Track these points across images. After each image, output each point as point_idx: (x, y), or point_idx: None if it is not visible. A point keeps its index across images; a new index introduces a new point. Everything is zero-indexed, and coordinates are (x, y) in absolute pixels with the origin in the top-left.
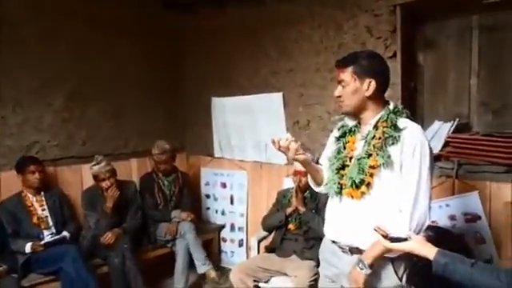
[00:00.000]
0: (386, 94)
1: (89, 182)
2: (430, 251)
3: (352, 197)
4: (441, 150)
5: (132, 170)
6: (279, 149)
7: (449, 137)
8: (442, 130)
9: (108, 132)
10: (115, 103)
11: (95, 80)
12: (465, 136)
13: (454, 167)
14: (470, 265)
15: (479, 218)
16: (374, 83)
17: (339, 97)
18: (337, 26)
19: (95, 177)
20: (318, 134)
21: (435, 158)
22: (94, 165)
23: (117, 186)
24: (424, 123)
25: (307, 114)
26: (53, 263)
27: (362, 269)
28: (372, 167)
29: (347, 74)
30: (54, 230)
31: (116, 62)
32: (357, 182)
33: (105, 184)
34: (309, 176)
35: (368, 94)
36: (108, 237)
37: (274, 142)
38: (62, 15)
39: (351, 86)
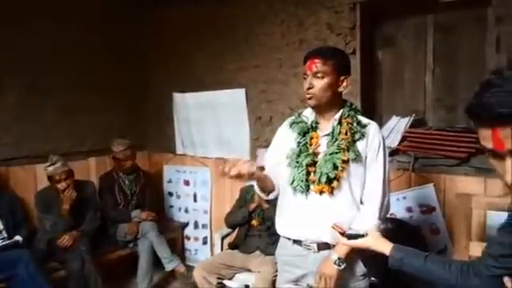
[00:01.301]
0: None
1: (44, 183)
2: (385, 247)
3: (322, 193)
4: (398, 145)
5: (90, 169)
6: (231, 178)
7: (406, 132)
8: (399, 125)
9: (65, 129)
10: (73, 99)
11: (53, 74)
12: (420, 131)
13: (411, 161)
14: (423, 258)
15: (434, 209)
16: (347, 80)
17: (310, 88)
18: (298, 23)
19: (50, 178)
20: (277, 131)
21: (393, 153)
22: (49, 165)
23: (74, 186)
24: (382, 119)
25: (270, 110)
26: (5, 269)
27: (339, 265)
28: (344, 162)
29: (327, 67)
30: (5, 235)
31: (76, 56)
32: (331, 176)
33: (61, 185)
34: (256, 187)
35: (340, 90)
36: (65, 239)
37: (223, 174)
38: (20, 3)
39: (329, 79)
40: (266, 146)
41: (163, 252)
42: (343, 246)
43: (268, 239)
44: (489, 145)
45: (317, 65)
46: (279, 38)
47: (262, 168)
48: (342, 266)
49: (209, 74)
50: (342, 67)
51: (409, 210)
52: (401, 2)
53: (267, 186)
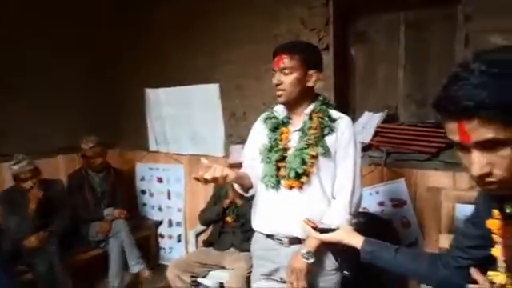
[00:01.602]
0: (320, 86)
1: (9, 182)
2: (357, 240)
3: (291, 188)
4: (371, 140)
5: (59, 167)
6: (206, 183)
7: (378, 127)
8: (372, 120)
9: (32, 127)
10: (40, 95)
11: (19, 70)
12: (392, 126)
13: (383, 156)
14: (393, 251)
15: (405, 203)
16: (316, 75)
17: (279, 84)
18: (272, 17)
19: (16, 177)
20: (252, 127)
21: (366, 148)
22: (14, 164)
23: (41, 185)
24: (356, 114)
25: (244, 106)
26: None
27: (307, 259)
28: (313, 157)
29: (294, 62)
30: None
31: (44, 50)
32: (299, 172)
33: (27, 184)
34: (238, 188)
35: (310, 84)
36: (31, 240)
37: (197, 179)
38: None
39: (296, 75)
40: (241, 142)
41: (131, 253)
42: (312, 240)
43: (242, 236)
44: (455, 138)
45: (284, 60)
46: (252, 33)
47: (240, 164)
48: (311, 260)
49: (181, 69)
50: (310, 61)
51: (381, 204)
52: None
53: (245, 184)
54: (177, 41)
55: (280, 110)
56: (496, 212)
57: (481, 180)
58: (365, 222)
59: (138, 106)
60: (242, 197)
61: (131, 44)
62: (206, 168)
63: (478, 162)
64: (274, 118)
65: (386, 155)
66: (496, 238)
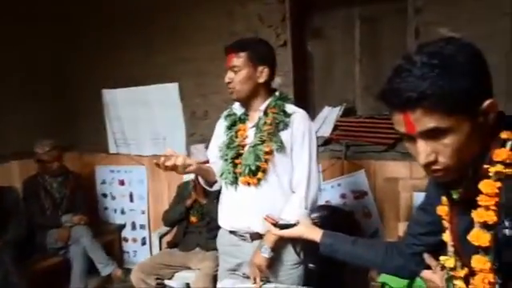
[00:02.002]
0: (279, 82)
1: None
2: (316, 234)
3: (248, 184)
4: (331, 134)
5: (13, 174)
6: (166, 169)
7: (337, 121)
8: (331, 114)
9: None
10: None
11: None
12: (351, 119)
13: (343, 149)
14: (351, 243)
15: (366, 194)
16: (267, 70)
17: (230, 83)
18: (228, 14)
19: None
20: (216, 124)
21: (326, 142)
22: None
23: None
24: (316, 109)
25: (205, 104)
26: None
27: (264, 253)
28: (267, 153)
29: (241, 60)
30: None
31: None
32: (253, 169)
33: None
34: (201, 180)
35: (261, 80)
36: None
37: (157, 165)
38: None
39: (245, 72)
40: (202, 141)
41: (98, 257)
42: (271, 235)
43: (208, 235)
44: (402, 129)
45: (232, 59)
46: (210, 30)
47: (206, 162)
48: (269, 255)
49: (138, 68)
50: (259, 57)
51: (343, 196)
52: None
53: (210, 178)
54: (133, 39)
55: (238, 107)
56: (444, 198)
57: (428, 168)
58: (327, 215)
59: (96, 107)
60: (205, 195)
61: (86, 43)
62: (170, 156)
63: (423, 150)
64: (233, 115)
65: (345, 148)
66: (445, 223)
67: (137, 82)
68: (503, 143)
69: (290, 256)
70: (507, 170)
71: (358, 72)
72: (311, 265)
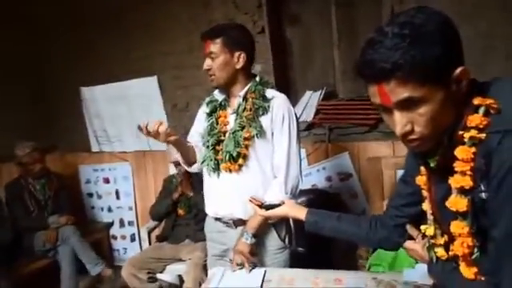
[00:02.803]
0: (259, 70)
1: None
2: (301, 213)
3: (230, 170)
4: (313, 118)
5: None
6: (148, 134)
7: (319, 105)
8: (312, 99)
9: None
10: None
11: None
12: (332, 103)
13: (326, 132)
14: (336, 218)
15: (351, 175)
16: (243, 55)
17: (209, 70)
18: (204, 3)
19: None
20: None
21: (309, 126)
22: None
23: None
24: (297, 94)
25: (186, 96)
26: None
27: (246, 239)
28: (247, 139)
29: (217, 46)
30: None
31: None
32: (234, 155)
33: None
34: (180, 157)
35: (239, 66)
36: None
37: (140, 129)
38: None
39: (222, 58)
40: (185, 133)
41: (87, 256)
42: (253, 221)
43: (196, 226)
44: (377, 100)
45: (209, 46)
46: (186, 21)
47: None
48: (250, 241)
49: (116, 64)
50: (235, 43)
51: (328, 179)
52: None
53: (189, 156)
54: (109, 35)
55: (219, 93)
56: (422, 168)
57: (404, 138)
58: (314, 199)
59: (75, 106)
60: (191, 188)
61: (61, 42)
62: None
63: (399, 121)
64: (215, 101)
65: (328, 131)
66: (424, 192)
67: (115, 78)
68: (476, 109)
69: (273, 241)
70: (481, 135)
71: (337, 56)
72: (300, 248)
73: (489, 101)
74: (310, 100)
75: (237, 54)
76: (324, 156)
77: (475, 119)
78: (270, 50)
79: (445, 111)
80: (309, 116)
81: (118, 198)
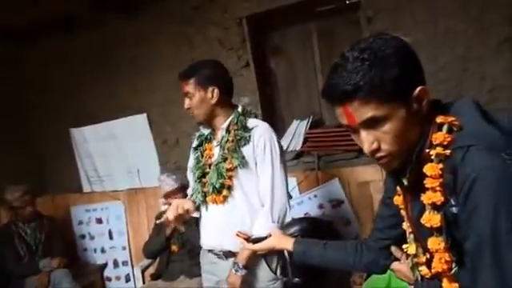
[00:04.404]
0: (246, 102)
1: None
2: (288, 243)
3: (216, 202)
4: (302, 147)
5: None
6: (173, 223)
7: (307, 133)
8: (300, 127)
9: None
10: None
11: None
12: (319, 130)
13: (315, 160)
14: (322, 246)
15: (342, 202)
16: (217, 90)
17: (189, 109)
18: (188, 41)
19: None
20: (188, 151)
21: (298, 155)
22: None
23: None
24: (285, 124)
25: (175, 132)
26: None
27: (237, 271)
28: (230, 170)
29: (191, 86)
30: None
31: None
32: (217, 186)
33: None
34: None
35: (214, 101)
36: None
37: (166, 224)
38: None
39: (197, 97)
40: (177, 169)
41: None
42: (243, 253)
43: (190, 261)
44: (344, 121)
45: (184, 87)
46: (171, 58)
47: (173, 192)
48: (240, 273)
49: (102, 103)
50: (206, 80)
51: (320, 206)
52: (283, 14)
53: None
54: (94, 76)
55: (205, 128)
56: (398, 188)
57: (373, 156)
58: (307, 227)
59: (65, 147)
60: (184, 223)
61: (47, 86)
62: (166, 208)
63: (366, 140)
64: (202, 135)
65: (317, 159)
66: (402, 212)
67: (103, 117)
68: (440, 127)
69: (264, 272)
70: (446, 152)
71: (322, 84)
72: (297, 279)
73: (450, 119)
74: (298, 129)
75: (210, 89)
76: (315, 184)
77: (439, 137)
78: (255, 82)
79: (408, 129)
80: (297, 145)
81: (111, 237)
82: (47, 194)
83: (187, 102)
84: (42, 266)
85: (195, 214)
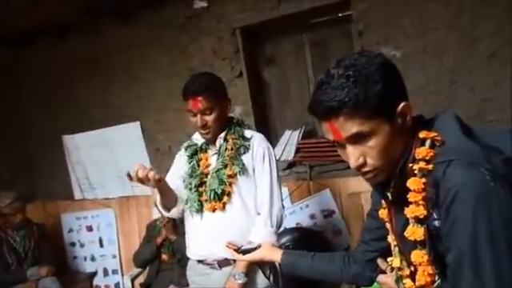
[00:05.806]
0: (240, 111)
1: None
2: (276, 255)
3: (214, 210)
4: (294, 157)
5: None
6: (138, 181)
7: (299, 143)
8: (292, 137)
9: None
10: None
11: None
12: (312, 141)
13: (307, 170)
14: (310, 258)
15: (334, 212)
16: (229, 101)
17: (205, 125)
18: (182, 49)
19: None
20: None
21: (290, 165)
22: None
23: None
24: (277, 134)
25: (167, 140)
26: None
27: (239, 279)
28: (230, 176)
29: (213, 101)
30: None
31: None
32: (219, 192)
33: None
34: (159, 202)
35: (229, 112)
36: None
37: (130, 176)
38: None
39: (217, 111)
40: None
41: None
42: (241, 261)
43: (180, 271)
44: (330, 137)
45: (201, 103)
46: (166, 66)
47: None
48: (242, 280)
49: (97, 110)
50: (222, 92)
51: (312, 216)
52: (277, 24)
53: (170, 201)
54: (88, 82)
55: (199, 137)
56: (383, 202)
57: (359, 171)
58: (298, 237)
59: (56, 154)
60: (175, 232)
61: (39, 92)
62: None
63: (352, 155)
64: (194, 145)
65: (309, 169)
66: (387, 225)
67: (96, 124)
68: (422, 142)
69: (261, 279)
70: (428, 166)
71: None
72: None
73: (433, 134)
74: (290, 139)
75: (225, 102)
76: (306, 193)
77: (422, 152)
78: (248, 92)
79: (393, 143)
80: (289, 155)
81: (101, 245)
82: (38, 200)
83: (203, 118)
84: (29, 274)
85: (160, 206)
